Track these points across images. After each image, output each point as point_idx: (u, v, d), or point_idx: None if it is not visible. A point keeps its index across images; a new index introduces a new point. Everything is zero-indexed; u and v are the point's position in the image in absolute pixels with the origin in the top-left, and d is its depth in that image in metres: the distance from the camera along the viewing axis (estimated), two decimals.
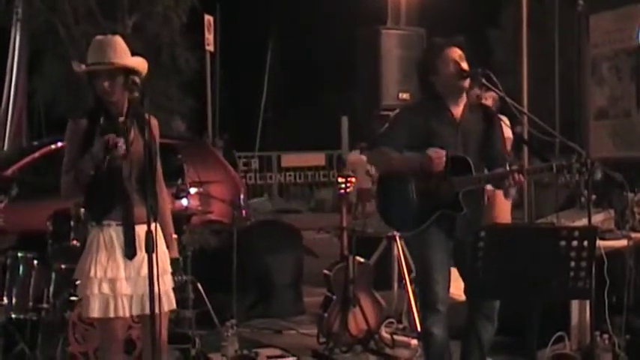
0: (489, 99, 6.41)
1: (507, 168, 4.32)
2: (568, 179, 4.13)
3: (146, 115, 3.64)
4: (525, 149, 7.46)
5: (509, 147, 6.62)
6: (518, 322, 3.75)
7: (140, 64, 3.81)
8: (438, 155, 4.20)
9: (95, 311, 3.70)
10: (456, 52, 4.32)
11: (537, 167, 4.32)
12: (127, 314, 3.74)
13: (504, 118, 6.32)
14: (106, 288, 3.68)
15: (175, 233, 4.23)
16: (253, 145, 23.04)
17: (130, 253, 3.70)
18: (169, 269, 3.87)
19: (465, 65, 4.30)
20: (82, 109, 3.84)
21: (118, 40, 3.81)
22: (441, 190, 4.26)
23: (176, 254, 4.06)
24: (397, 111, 4.77)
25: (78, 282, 3.83)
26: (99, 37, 3.86)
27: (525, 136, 6.78)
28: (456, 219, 4.29)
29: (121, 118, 3.72)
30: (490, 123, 4.43)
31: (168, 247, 3.92)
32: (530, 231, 3.88)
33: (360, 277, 5.79)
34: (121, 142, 3.63)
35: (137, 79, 3.69)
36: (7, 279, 5.19)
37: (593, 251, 3.53)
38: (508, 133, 6.07)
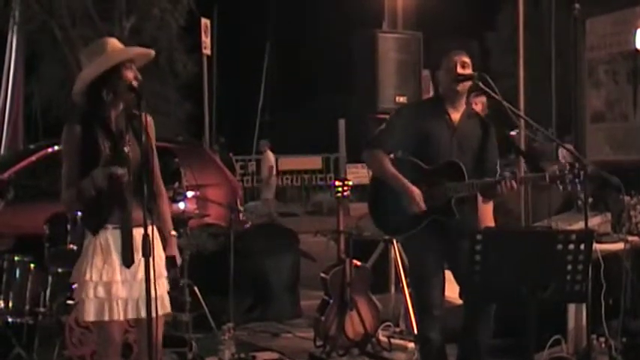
0: (479, 104, 6.40)
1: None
2: (562, 190, 4.13)
3: (142, 114, 3.62)
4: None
5: None
6: (515, 325, 3.76)
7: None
8: (420, 203, 4.21)
9: (90, 315, 3.69)
10: (461, 57, 4.31)
11: (531, 176, 4.32)
12: (122, 317, 3.72)
13: None
14: (101, 291, 3.67)
15: None
16: (250, 148, 23.03)
17: (127, 261, 3.70)
18: (165, 273, 3.86)
19: (463, 70, 4.28)
20: (77, 114, 3.80)
21: (112, 39, 3.85)
22: (434, 196, 4.25)
23: (174, 252, 4.03)
24: (395, 111, 4.76)
25: (74, 285, 3.82)
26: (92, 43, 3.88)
27: (522, 139, 6.79)
28: (449, 222, 4.29)
29: (127, 148, 3.69)
30: (486, 132, 4.43)
31: (166, 245, 3.91)
32: (527, 234, 3.89)
33: (357, 280, 5.79)
34: (124, 173, 3.64)
35: (135, 83, 3.69)
36: (3, 282, 5.19)
37: (589, 254, 3.53)
38: None
